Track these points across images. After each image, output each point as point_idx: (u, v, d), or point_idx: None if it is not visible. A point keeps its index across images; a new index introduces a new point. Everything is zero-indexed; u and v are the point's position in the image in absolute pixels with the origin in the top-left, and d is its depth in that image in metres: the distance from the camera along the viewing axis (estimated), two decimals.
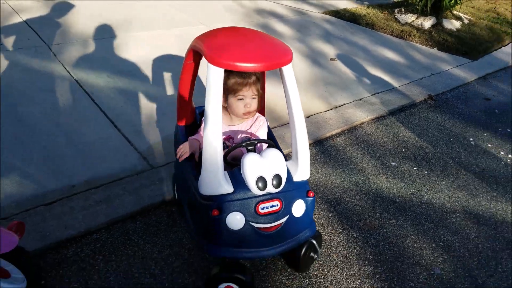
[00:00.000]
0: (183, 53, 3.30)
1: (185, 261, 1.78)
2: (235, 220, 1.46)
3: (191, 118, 1.83)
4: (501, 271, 1.94)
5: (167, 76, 3.32)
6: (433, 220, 2.22)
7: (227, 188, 1.46)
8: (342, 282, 1.79)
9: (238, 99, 1.61)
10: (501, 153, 2.95)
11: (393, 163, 2.67)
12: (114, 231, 1.89)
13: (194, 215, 1.60)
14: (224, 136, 1.66)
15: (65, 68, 3.21)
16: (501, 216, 2.31)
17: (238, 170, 1.49)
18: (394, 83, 3.80)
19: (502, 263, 2.00)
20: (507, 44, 5.40)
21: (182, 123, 1.81)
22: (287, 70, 1.51)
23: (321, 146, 2.75)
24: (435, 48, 4.91)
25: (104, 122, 2.64)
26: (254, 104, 1.64)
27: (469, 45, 5.02)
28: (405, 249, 2.01)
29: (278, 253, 1.58)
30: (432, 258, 1.98)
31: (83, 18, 4.31)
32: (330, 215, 2.16)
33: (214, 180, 1.45)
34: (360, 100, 3.39)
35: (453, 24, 5.54)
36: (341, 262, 1.89)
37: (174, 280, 1.69)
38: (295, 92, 1.54)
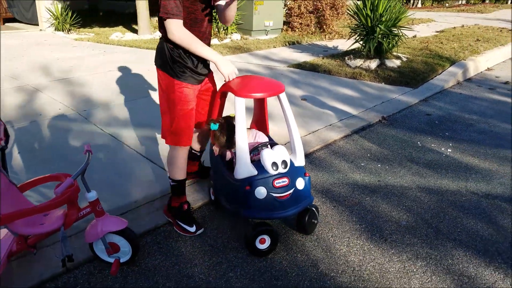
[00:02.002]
0: None
1: (228, 235, 2.50)
2: (260, 192, 2.20)
3: None
4: (448, 218, 2.74)
5: None
6: (396, 195, 3.03)
7: (253, 171, 2.22)
8: (339, 235, 2.55)
9: None
10: (442, 149, 3.84)
11: (362, 164, 3.52)
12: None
13: (232, 195, 2.33)
14: None
15: (98, 127, 3.98)
16: (445, 187, 3.13)
17: (258, 161, 2.28)
18: (354, 111, 4.70)
19: (448, 213, 2.79)
20: (441, 73, 6.47)
21: None
22: (283, 96, 2.35)
23: (306, 159, 3.58)
24: (383, 83, 5.91)
25: (142, 159, 3.34)
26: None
27: (409, 77, 6.03)
28: (379, 213, 2.79)
29: (291, 214, 2.28)
30: (398, 216, 2.76)
31: (96, 88, 5.17)
32: (323, 200, 2.95)
33: (245, 168, 2.21)
34: (330, 125, 4.28)
35: (394, 63, 6.61)
36: (336, 224, 2.66)
37: (224, 245, 2.41)
38: (289, 109, 2.37)
